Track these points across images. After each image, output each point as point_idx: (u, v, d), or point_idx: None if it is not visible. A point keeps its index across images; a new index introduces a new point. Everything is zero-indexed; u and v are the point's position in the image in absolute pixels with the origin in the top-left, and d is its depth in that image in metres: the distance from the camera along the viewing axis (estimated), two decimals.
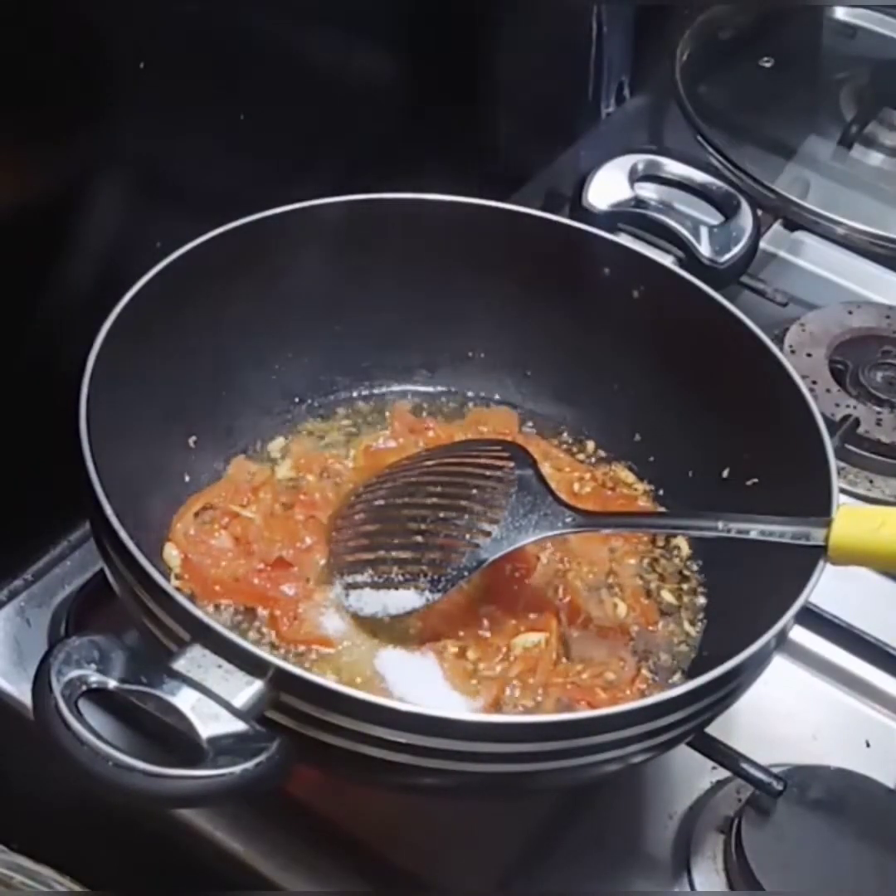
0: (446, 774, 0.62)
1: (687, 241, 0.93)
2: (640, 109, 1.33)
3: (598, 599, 0.81)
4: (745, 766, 0.74)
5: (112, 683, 0.59)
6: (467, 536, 0.76)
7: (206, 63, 0.82)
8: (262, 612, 0.77)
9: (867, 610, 0.88)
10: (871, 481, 1.01)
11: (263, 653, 0.60)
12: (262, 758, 0.58)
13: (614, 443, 0.90)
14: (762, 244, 1.04)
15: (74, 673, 0.59)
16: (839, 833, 0.74)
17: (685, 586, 0.83)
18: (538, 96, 1.18)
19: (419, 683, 0.74)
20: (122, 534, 0.64)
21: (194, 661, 0.60)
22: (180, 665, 0.60)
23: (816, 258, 1.19)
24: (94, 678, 0.59)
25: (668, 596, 0.82)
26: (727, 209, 0.98)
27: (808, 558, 0.68)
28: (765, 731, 0.81)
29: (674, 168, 1.00)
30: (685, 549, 0.85)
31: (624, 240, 0.90)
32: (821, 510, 0.70)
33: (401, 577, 0.76)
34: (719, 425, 0.84)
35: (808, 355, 1.08)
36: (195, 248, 0.78)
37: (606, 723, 0.62)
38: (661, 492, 0.88)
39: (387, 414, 0.90)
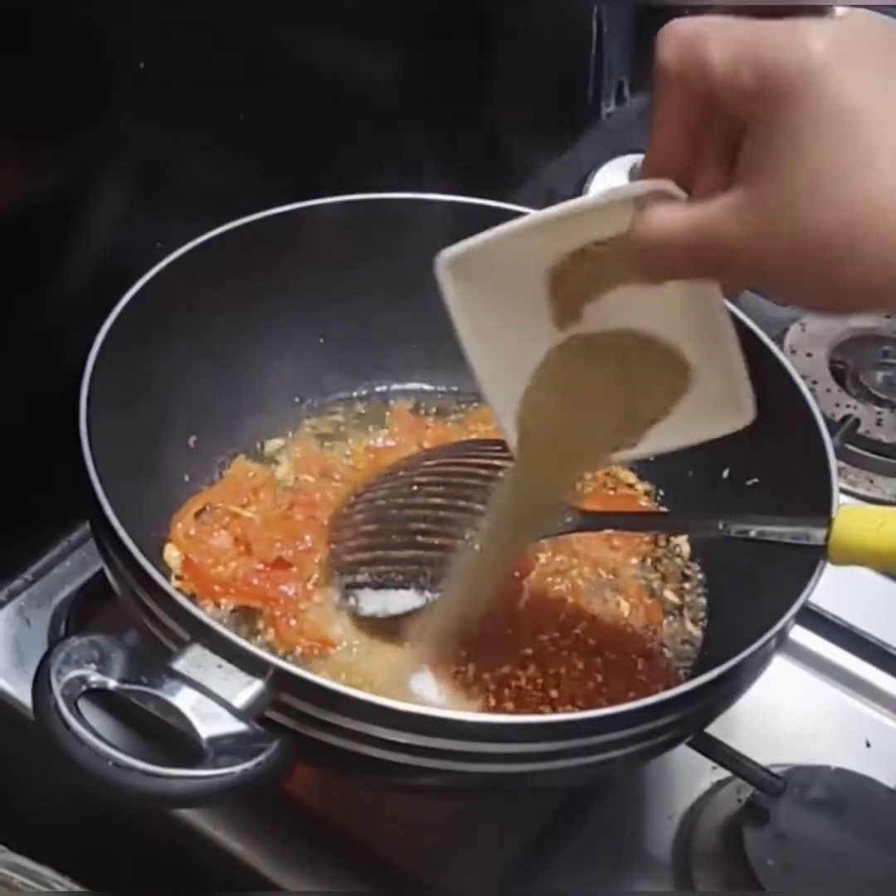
0: (446, 774, 0.62)
1: None
2: (640, 109, 1.32)
3: (602, 598, 0.81)
4: (745, 765, 0.74)
5: (112, 683, 0.59)
6: (467, 536, 0.76)
7: (206, 63, 0.81)
8: (263, 611, 0.77)
9: (867, 610, 0.88)
10: (871, 481, 1.01)
11: (263, 653, 0.60)
12: (261, 758, 0.58)
13: None
14: None
15: (74, 673, 0.59)
16: (839, 833, 0.74)
17: (687, 585, 0.83)
18: (538, 96, 1.18)
19: (419, 683, 0.74)
20: (122, 534, 0.64)
21: (194, 661, 0.60)
22: (180, 665, 0.60)
23: None
24: (94, 678, 0.59)
25: (670, 595, 0.82)
26: None
27: (808, 558, 0.68)
28: (765, 731, 0.81)
29: None
30: (686, 549, 0.85)
31: None
32: (821, 510, 0.70)
33: (401, 577, 0.76)
34: None
35: (808, 355, 1.08)
36: (195, 247, 0.78)
37: (606, 723, 0.62)
38: (661, 492, 0.88)
39: (387, 414, 0.91)
